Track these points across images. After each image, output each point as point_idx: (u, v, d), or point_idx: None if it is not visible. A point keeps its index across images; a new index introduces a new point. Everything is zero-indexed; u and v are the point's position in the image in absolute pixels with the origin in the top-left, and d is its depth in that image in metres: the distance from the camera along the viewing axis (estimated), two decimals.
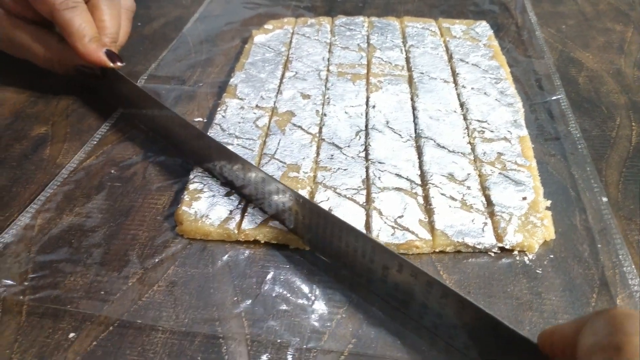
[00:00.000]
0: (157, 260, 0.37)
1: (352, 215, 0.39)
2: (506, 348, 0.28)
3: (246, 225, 0.38)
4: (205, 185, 0.41)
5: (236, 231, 0.38)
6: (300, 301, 0.34)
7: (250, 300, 0.34)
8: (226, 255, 0.37)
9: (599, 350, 0.22)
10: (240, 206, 0.40)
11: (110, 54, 0.48)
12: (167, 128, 0.47)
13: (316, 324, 0.33)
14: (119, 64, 0.49)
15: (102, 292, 0.35)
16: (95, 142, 0.48)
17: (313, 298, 0.34)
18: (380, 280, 0.34)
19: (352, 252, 0.34)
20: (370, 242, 0.33)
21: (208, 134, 0.47)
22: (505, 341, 0.28)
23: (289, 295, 0.35)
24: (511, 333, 0.27)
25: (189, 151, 0.45)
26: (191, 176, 0.42)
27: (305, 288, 0.35)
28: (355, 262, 0.35)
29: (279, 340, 0.32)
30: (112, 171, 0.45)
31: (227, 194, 0.41)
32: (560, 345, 0.25)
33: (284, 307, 0.34)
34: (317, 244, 0.37)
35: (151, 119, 0.49)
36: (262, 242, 0.38)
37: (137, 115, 0.51)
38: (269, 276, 0.36)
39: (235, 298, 0.34)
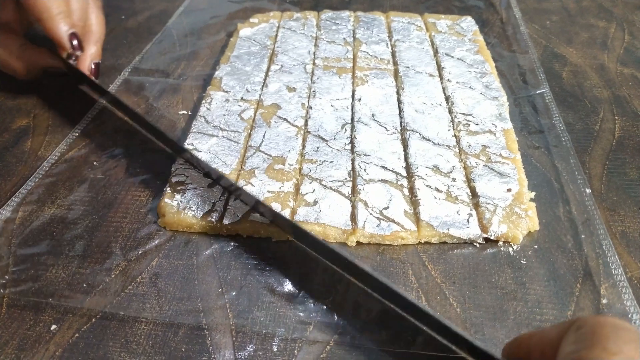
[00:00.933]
0: (140, 252, 0.37)
1: (338, 206, 0.39)
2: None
3: (228, 218, 0.38)
4: (188, 177, 0.41)
5: (218, 224, 0.38)
6: (285, 291, 0.34)
7: (235, 291, 0.34)
8: (211, 247, 0.37)
9: None
10: (222, 198, 0.39)
11: (73, 36, 0.47)
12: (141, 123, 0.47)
13: (302, 314, 0.33)
14: (78, 52, 0.48)
15: (84, 285, 0.35)
16: (77, 134, 0.47)
17: (298, 288, 0.34)
18: (360, 277, 0.33)
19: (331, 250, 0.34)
20: (336, 255, 0.33)
21: (192, 125, 0.46)
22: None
23: (274, 285, 0.34)
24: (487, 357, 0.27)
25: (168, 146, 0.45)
26: (173, 168, 0.42)
27: (290, 279, 0.35)
28: (335, 258, 0.34)
29: (264, 331, 0.32)
30: (95, 163, 0.44)
31: (210, 186, 0.40)
32: (539, 349, 0.24)
33: (269, 297, 0.34)
34: (298, 236, 0.37)
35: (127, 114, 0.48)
36: (245, 236, 0.38)
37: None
38: (254, 267, 0.36)
39: (220, 289, 0.34)
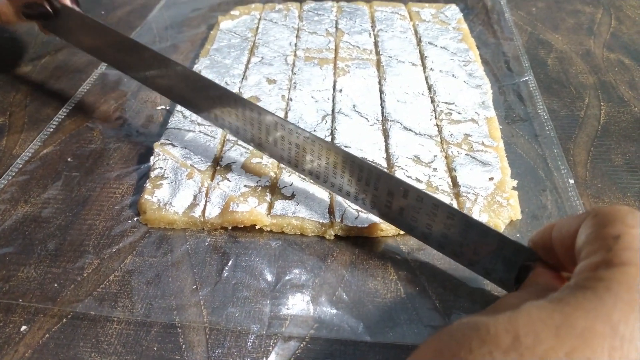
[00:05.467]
0: (114, 250, 0.36)
1: (316, 199, 0.38)
2: (509, 260, 0.29)
3: (211, 210, 0.37)
4: (166, 169, 0.40)
5: (202, 219, 0.37)
6: (261, 287, 0.33)
7: (209, 288, 0.33)
8: (186, 243, 0.36)
9: (598, 239, 0.22)
10: (203, 189, 0.39)
11: None
12: (140, 65, 0.44)
13: (277, 309, 0.32)
14: None
15: (56, 284, 0.34)
16: (51, 130, 0.46)
17: (274, 283, 0.33)
18: (385, 206, 0.34)
19: (356, 181, 0.34)
20: (374, 171, 0.33)
21: (170, 121, 0.45)
22: (507, 253, 0.29)
23: (250, 281, 0.34)
24: (516, 246, 0.29)
25: (167, 87, 0.43)
26: (151, 162, 0.41)
27: (266, 274, 0.34)
28: (359, 190, 0.35)
29: (238, 328, 0.31)
30: (69, 160, 0.43)
31: (189, 175, 0.39)
32: (559, 239, 0.25)
33: (244, 293, 0.33)
34: (313, 173, 0.37)
35: (112, 55, 0.46)
36: (229, 228, 0.37)
37: (107, 58, 0.48)
38: (230, 263, 0.35)
39: (195, 286, 0.33)
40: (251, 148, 0.42)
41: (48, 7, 0.47)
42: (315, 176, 0.37)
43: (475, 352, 0.19)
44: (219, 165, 0.41)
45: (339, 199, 0.38)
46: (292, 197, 0.38)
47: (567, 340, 0.18)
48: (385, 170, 0.40)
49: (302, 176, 0.39)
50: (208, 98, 0.40)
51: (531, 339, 0.18)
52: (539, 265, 0.28)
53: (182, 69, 0.40)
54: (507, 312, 0.20)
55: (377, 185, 0.33)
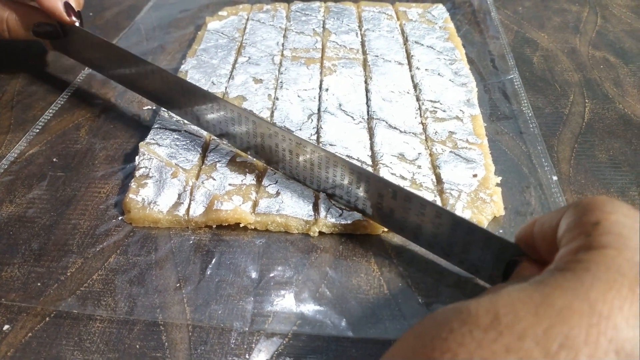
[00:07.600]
0: (97, 249, 0.36)
1: (300, 197, 0.38)
2: (497, 257, 0.30)
3: (195, 208, 0.37)
4: (151, 168, 0.40)
5: (186, 217, 0.37)
6: (245, 284, 0.33)
7: (193, 286, 0.33)
8: (170, 242, 0.36)
9: (578, 226, 0.23)
10: (187, 188, 0.39)
11: (67, 6, 0.46)
12: (138, 79, 0.45)
13: (260, 306, 0.32)
14: (74, 18, 0.47)
15: (39, 283, 0.34)
16: (37, 131, 0.46)
17: (258, 281, 0.34)
18: (376, 207, 0.35)
19: (347, 184, 0.35)
20: (364, 173, 0.34)
21: (155, 120, 0.45)
22: (495, 250, 0.30)
23: (233, 278, 0.34)
24: (503, 242, 0.29)
25: (162, 97, 0.45)
26: (136, 162, 0.41)
27: (250, 271, 0.34)
28: (350, 193, 0.36)
29: (221, 325, 0.31)
30: (55, 160, 0.43)
31: (174, 174, 0.40)
32: (541, 234, 0.26)
33: (228, 291, 0.33)
34: (299, 174, 0.38)
35: (120, 72, 0.47)
36: (214, 226, 0.37)
37: (104, 70, 0.49)
38: (214, 261, 0.35)
39: (178, 284, 0.33)
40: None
41: (58, 28, 0.48)
42: (310, 182, 0.38)
43: (455, 332, 0.19)
44: (204, 164, 0.41)
45: (324, 195, 0.38)
46: (276, 194, 0.38)
47: (546, 318, 0.19)
48: (370, 168, 0.40)
49: (296, 178, 0.40)
50: (220, 118, 0.41)
51: (510, 318, 0.19)
52: (526, 260, 0.28)
53: (193, 88, 0.41)
54: (489, 295, 0.21)
55: (368, 188, 0.34)
